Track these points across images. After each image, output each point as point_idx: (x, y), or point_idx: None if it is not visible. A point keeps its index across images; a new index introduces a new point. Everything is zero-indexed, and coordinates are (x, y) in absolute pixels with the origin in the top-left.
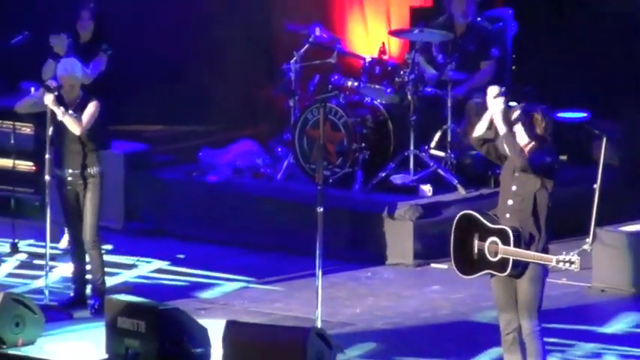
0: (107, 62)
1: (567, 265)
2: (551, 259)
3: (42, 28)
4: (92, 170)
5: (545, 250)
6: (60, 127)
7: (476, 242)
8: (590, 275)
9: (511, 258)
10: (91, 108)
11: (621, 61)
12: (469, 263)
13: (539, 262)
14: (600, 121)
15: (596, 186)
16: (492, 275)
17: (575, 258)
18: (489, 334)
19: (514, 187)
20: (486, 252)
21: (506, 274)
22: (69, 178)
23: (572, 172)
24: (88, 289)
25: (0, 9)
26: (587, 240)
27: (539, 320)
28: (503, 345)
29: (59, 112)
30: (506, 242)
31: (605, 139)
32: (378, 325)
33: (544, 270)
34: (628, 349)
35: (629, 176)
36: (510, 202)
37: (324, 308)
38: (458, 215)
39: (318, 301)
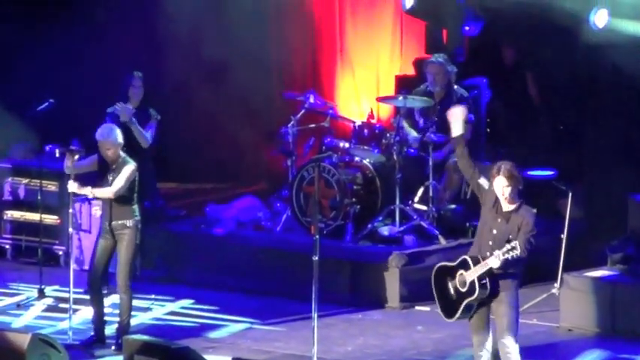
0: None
1: (511, 252)
2: (497, 255)
3: (64, 96)
4: (127, 222)
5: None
6: (101, 184)
7: (449, 284)
8: (558, 316)
9: (475, 277)
10: (126, 173)
11: (585, 126)
12: (450, 306)
13: (489, 267)
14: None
15: (563, 236)
16: (471, 306)
17: (514, 243)
18: None
19: (495, 231)
20: (458, 286)
21: (475, 296)
22: (107, 228)
23: (541, 224)
24: (108, 330)
25: (27, 79)
26: (556, 285)
27: (517, 341)
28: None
29: (88, 192)
30: (467, 269)
31: (570, 195)
32: None
33: (517, 296)
34: None
35: (592, 228)
36: (490, 242)
37: (320, 346)
38: (433, 272)
39: (314, 340)
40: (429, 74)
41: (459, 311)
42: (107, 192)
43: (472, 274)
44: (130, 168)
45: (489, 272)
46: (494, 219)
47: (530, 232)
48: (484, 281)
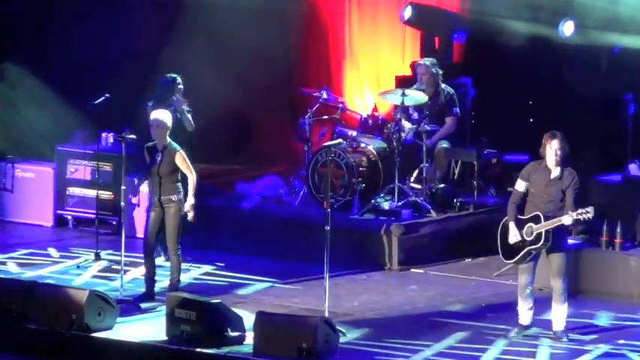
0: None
1: (584, 215)
2: (572, 215)
3: (117, 92)
4: (173, 197)
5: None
6: (153, 166)
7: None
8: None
9: (543, 230)
10: (183, 157)
11: (553, 119)
12: (512, 250)
13: (560, 223)
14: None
15: None
16: (530, 253)
17: (589, 208)
18: (454, 322)
19: (545, 196)
20: (524, 235)
21: (540, 244)
22: (156, 202)
23: None
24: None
25: (88, 78)
26: None
27: (567, 281)
28: (519, 295)
29: (192, 203)
30: (538, 222)
31: None
32: (371, 315)
33: (567, 245)
34: None
35: None
36: (545, 205)
37: (330, 302)
38: (500, 224)
39: (326, 296)
40: (417, 75)
41: (519, 255)
42: (192, 182)
43: (542, 227)
44: (182, 153)
45: (558, 227)
46: (545, 187)
47: (577, 189)
48: (549, 234)
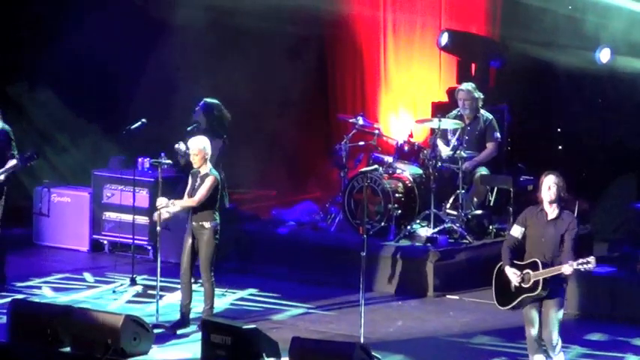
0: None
1: (586, 265)
2: (572, 265)
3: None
4: (206, 224)
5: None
6: (189, 191)
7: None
8: (567, 304)
9: (541, 277)
10: (208, 184)
11: (592, 146)
12: (507, 297)
13: (560, 272)
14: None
15: None
16: (526, 301)
17: (590, 258)
18: (489, 349)
19: (544, 239)
20: (522, 282)
21: (537, 292)
22: (190, 229)
23: None
24: (192, 313)
25: (123, 106)
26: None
27: (560, 335)
28: (529, 349)
29: (173, 207)
30: (536, 269)
31: (577, 203)
32: (406, 341)
33: (564, 299)
34: None
35: (595, 230)
36: (542, 248)
37: (366, 328)
38: (497, 267)
39: (361, 322)
40: (459, 100)
41: (515, 302)
42: (189, 202)
43: (540, 275)
44: (211, 179)
45: (557, 276)
46: (543, 229)
47: (576, 233)
48: (547, 283)
